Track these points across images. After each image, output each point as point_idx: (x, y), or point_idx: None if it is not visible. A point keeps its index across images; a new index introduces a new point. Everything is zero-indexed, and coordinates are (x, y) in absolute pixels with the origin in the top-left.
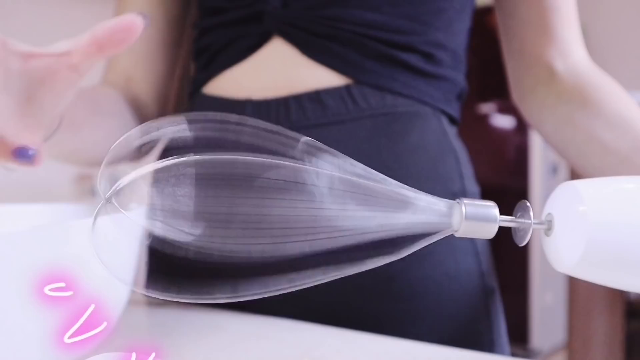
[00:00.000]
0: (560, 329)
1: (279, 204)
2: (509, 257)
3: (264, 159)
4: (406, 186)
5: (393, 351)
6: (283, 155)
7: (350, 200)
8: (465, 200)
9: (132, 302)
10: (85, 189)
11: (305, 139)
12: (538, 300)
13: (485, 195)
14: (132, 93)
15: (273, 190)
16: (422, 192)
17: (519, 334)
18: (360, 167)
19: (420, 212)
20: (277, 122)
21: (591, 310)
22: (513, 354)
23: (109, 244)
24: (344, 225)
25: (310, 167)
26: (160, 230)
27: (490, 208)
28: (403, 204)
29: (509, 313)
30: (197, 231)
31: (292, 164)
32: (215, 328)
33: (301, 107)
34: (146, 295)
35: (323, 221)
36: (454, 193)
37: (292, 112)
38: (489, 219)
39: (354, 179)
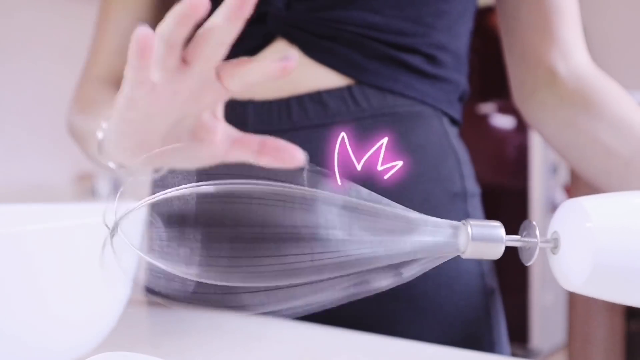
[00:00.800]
0: (560, 329)
1: (283, 231)
2: (509, 257)
3: (267, 185)
4: (411, 210)
5: (393, 351)
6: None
7: (355, 226)
8: (472, 222)
9: (132, 302)
10: (85, 189)
11: (307, 167)
12: (538, 301)
13: (485, 195)
14: None
15: (278, 217)
16: (426, 216)
17: (519, 334)
18: (364, 192)
19: (426, 235)
20: (279, 123)
21: (591, 310)
22: (513, 354)
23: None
24: (349, 251)
25: (314, 192)
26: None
27: (496, 228)
28: (409, 228)
29: (509, 313)
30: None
31: (295, 189)
32: (216, 328)
33: (302, 107)
34: (147, 293)
35: (329, 247)
36: (454, 193)
37: (294, 113)
38: (495, 240)
39: (359, 203)
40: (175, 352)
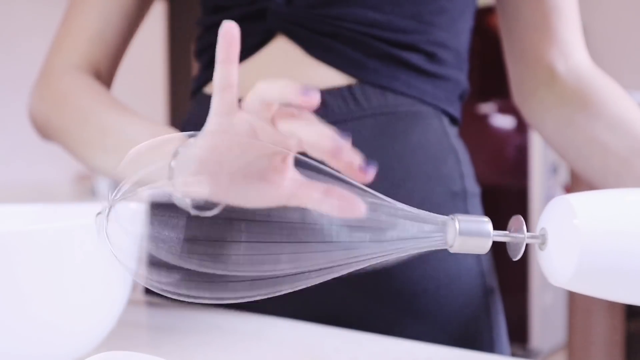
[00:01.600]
0: (560, 329)
1: (275, 219)
2: (509, 256)
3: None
4: (400, 203)
5: (393, 351)
6: None
7: (344, 219)
8: (459, 217)
9: (132, 301)
10: (85, 189)
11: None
12: (538, 300)
13: (485, 194)
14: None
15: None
16: (415, 209)
17: (519, 334)
18: (355, 184)
19: (415, 228)
20: None
21: (591, 310)
22: (513, 354)
23: (114, 239)
24: (337, 244)
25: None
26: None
27: (484, 223)
28: (397, 221)
29: (509, 313)
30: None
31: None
32: (215, 328)
33: None
34: (147, 293)
35: (316, 240)
36: (454, 193)
37: None
38: (482, 235)
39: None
40: (175, 352)
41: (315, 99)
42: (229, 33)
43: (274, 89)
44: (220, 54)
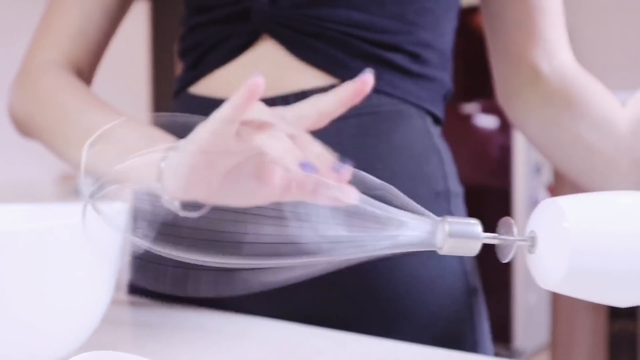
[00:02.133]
0: (544, 329)
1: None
2: (492, 256)
3: None
4: (390, 206)
5: (376, 351)
6: None
7: (333, 219)
8: (449, 219)
9: (115, 301)
10: (69, 189)
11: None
12: (521, 300)
13: (468, 195)
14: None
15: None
16: (404, 211)
17: (503, 334)
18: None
19: (404, 230)
20: None
21: (575, 310)
22: (496, 354)
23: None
24: (327, 245)
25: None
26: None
27: (474, 226)
28: (386, 223)
29: (492, 313)
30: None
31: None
32: (199, 327)
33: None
34: (130, 292)
35: (303, 240)
36: (437, 192)
37: None
38: (472, 237)
39: None
40: (159, 352)
41: (259, 83)
42: (255, 91)
43: (227, 106)
44: (237, 102)
